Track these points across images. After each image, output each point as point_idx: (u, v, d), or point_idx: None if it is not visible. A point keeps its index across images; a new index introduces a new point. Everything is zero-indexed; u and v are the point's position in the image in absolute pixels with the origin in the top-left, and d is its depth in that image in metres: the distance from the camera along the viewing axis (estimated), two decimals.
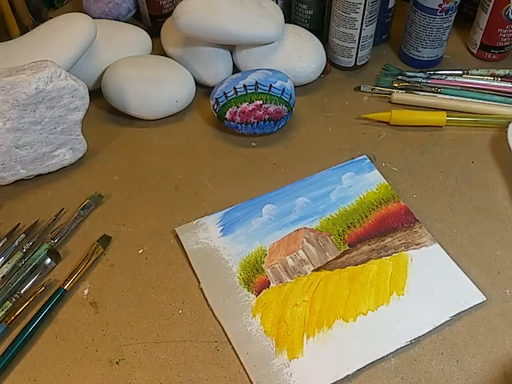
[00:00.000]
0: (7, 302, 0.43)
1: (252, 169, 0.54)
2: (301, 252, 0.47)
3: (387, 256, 0.47)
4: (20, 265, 0.46)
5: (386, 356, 0.41)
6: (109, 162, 0.55)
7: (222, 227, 0.49)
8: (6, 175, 0.50)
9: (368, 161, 0.54)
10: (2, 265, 0.46)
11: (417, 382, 0.40)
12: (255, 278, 0.45)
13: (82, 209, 0.50)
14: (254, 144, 0.57)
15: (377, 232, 0.48)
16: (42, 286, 0.44)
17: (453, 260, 0.46)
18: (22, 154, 0.50)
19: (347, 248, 0.47)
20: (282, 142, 0.57)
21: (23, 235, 0.47)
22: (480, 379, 0.40)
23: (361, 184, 0.52)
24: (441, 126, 0.58)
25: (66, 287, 0.44)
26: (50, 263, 0.45)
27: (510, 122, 0.55)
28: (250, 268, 0.46)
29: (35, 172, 0.52)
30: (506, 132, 0.54)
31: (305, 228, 0.49)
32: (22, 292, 0.44)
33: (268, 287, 0.45)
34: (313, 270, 0.46)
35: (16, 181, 0.52)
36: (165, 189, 0.53)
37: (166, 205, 0.51)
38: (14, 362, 0.41)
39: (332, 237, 0.48)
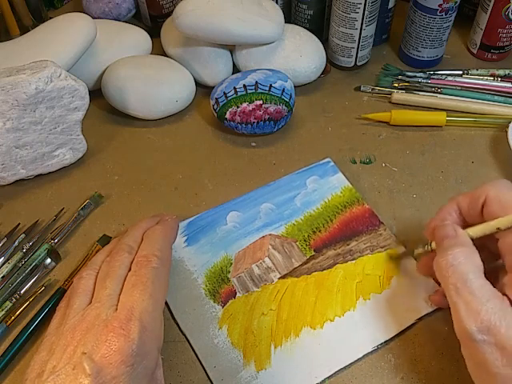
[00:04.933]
0: (7, 302, 0.43)
1: (252, 169, 0.54)
2: (267, 259, 0.46)
3: (353, 260, 0.46)
4: (20, 265, 0.46)
5: (386, 356, 0.41)
6: (109, 162, 0.55)
7: (186, 237, 0.48)
8: (6, 175, 0.50)
9: (332, 164, 0.53)
10: (2, 265, 0.46)
11: (417, 381, 0.40)
12: (221, 289, 0.44)
13: (82, 209, 0.50)
14: (253, 144, 0.57)
15: (342, 236, 0.48)
16: (42, 286, 0.44)
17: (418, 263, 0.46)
18: (22, 154, 0.50)
19: (313, 253, 0.47)
20: (282, 141, 0.57)
21: (23, 235, 0.47)
22: None
23: (325, 188, 0.51)
24: (441, 126, 0.58)
25: (65, 287, 0.44)
26: (49, 263, 0.45)
27: (510, 122, 0.55)
28: (216, 278, 0.45)
29: (35, 172, 0.52)
30: (506, 132, 0.54)
31: (270, 235, 0.48)
32: (21, 292, 0.44)
33: (234, 297, 0.44)
34: (279, 278, 0.45)
35: (16, 181, 0.52)
36: (165, 189, 0.53)
37: (166, 205, 0.51)
38: (14, 362, 0.41)
39: (298, 243, 0.48)
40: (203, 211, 0.50)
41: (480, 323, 0.32)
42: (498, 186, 0.38)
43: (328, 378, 0.40)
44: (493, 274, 0.36)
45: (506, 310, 0.33)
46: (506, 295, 0.34)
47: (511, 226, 0.35)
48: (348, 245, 0.47)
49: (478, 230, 0.37)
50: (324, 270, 0.46)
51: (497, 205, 0.37)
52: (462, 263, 0.35)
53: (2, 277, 0.45)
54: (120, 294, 0.37)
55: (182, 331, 0.42)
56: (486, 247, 0.38)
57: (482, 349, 0.32)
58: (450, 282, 0.34)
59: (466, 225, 0.39)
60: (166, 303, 0.43)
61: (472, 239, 0.37)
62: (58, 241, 0.48)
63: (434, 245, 0.40)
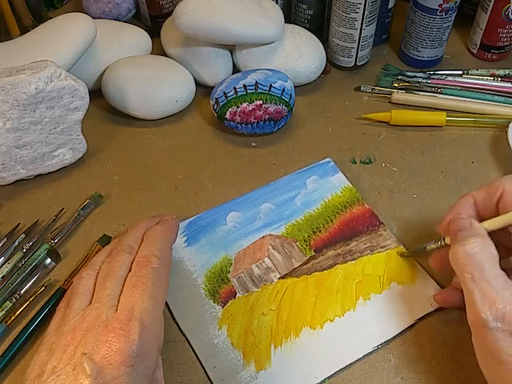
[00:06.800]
0: (7, 302, 0.43)
1: (252, 169, 0.54)
2: (267, 260, 0.46)
3: (353, 260, 0.46)
4: (20, 265, 0.46)
5: (386, 356, 0.41)
6: (109, 162, 0.55)
7: (186, 237, 0.48)
8: (6, 175, 0.50)
9: (332, 164, 0.53)
10: (2, 265, 0.46)
11: (417, 381, 0.40)
12: (221, 289, 0.44)
13: (82, 209, 0.50)
14: (253, 144, 0.57)
15: (342, 236, 0.48)
16: (42, 286, 0.44)
17: (418, 263, 0.46)
18: (22, 154, 0.50)
19: (313, 254, 0.47)
20: (282, 141, 0.57)
21: (23, 235, 0.47)
22: (480, 379, 0.40)
23: (325, 187, 0.51)
24: (441, 126, 0.58)
25: (65, 287, 0.44)
26: (50, 263, 0.45)
27: (510, 122, 0.55)
28: (216, 278, 0.45)
29: (35, 172, 0.52)
30: (506, 132, 0.54)
31: (270, 235, 0.48)
32: (21, 292, 0.44)
33: (234, 297, 0.44)
34: (279, 278, 0.45)
35: (16, 181, 0.52)
36: (165, 189, 0.53)
37: (166, 205, 0.51)
38: (14, 362, 0.41)
39: (298, 243, 0.48)
40: (203, 211, 0.50)
41: (495, 311, 0.32)
42: None
43: (328, 378, 0.40)
44: (506, 271, 0.36)
45: None
46: None
47: None
48: (348, 245, 0.47)
49: (493, 223, 0.37)
50: (324, 270, 0.46)
51: None
52: (479, 252, 0.35)
53: (2, 277, 0.45)
54: (120, 295, 0.37)
55: (181, 331, 0.42)
56: (500, 243, 0.38)
57: (495, 336, 0.33)
58: (466, 271, 0.35)
59: (481, 219, 0.39)
60: (166, 303, 0.43)
61: (488, 233, 0.37)
62: (58, 241, 0.48)
63: (447, 240, 0.40)
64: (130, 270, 0.39)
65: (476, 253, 0.35)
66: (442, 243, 0.41)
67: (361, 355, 0.41)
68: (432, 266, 0.43)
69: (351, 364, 0.41)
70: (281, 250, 0.47)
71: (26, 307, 0.43)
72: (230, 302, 0.44)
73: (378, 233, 0.48)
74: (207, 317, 0.43)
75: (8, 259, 0.46)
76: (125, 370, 0.32)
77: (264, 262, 0.46)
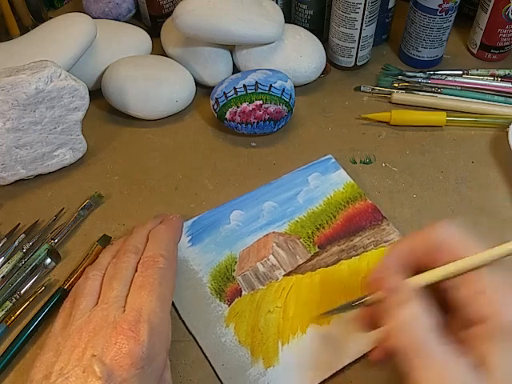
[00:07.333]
0: (7, 302, 0.43)
1: (252, 169, 0.54)
2: (271, 257, 0.46)
3: (357, 256, 0.46)
4: (20, 265, 0.46)
5: None
6: (109, 162, 0.55)
7: (190, 237, 0.48)
8: (6, 175, 0.50)
9: (333, 160, 0.53)
10: (2, 265, 0.46)
11: None
12: (227, 287, 0.45)
13: (81, 209, 0.50)
14: (253, 144, 0.57)
15: (345, 232, 0.48)
16: (42, 286, 0.44)
17: None
18: (22, 154, 0.50)
19: (317, 250, 0.47)
20: (282, 142, 0.57)
21: (23, 235, 0.47)
22: None
23: (327, 184, 0.52)
24: (441, 126, 0.58)
25: (65, 287, 0.44)
26: (50, 263, 0.45)
27: (510, 123, 0.55)
28: (221, 277, 0.45)
29: (35, 172, 0.52)
30: (506, 132, 0.54)
31: (274, 232, 0.48)
32: (21, 292, 0.44)
33: (240, 295, 0.44)
34: (284, 275, 0.45)
35: (16, 181, 0.52)
36: (165, 189, 0.53)
37: (166, 205, 0.51)
38: (14, 362, 0.41)
39: (301, 240, 0.48)
40: (203, 211, 0.50)
41: None
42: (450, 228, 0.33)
43: (334, 374, 0.40)
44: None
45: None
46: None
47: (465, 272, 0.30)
48: (352, 240, 0.48)
49: (428, 276, 0.32)
50: (328, 266, 0.46)
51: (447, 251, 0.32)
52: (410, 323, 0.29)
53: (2, 277, 0.45)
54: (127, 296, 0.36)
55: (189, 330, 0.42)
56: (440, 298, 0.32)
57: None
58: (402, 350, 0.29)
59: (418, 269, 0.33)
60: (172, 303, 0.43)
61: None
62: (58, 241, 0.48)
63: (374, 297, 0.34)
64: (136, 271, 0.39)
65: (409, 327, 0.29)
66: (368, 301, 0.34)
67: (366, 351, 0.40)
68: (359, 329, 0.36)
69: (356, 360, 0.41)
70: (285, 247, 0.47)
71: (26, 307, 0.43)
72: (236, 300, 0.44)
73: (381, 227, 0.48)
74: (214, 315, 0.43)
75: (8, 259, 0.46)
76: (135, 371, 0.32)
77: (269, 259, 0.46)
